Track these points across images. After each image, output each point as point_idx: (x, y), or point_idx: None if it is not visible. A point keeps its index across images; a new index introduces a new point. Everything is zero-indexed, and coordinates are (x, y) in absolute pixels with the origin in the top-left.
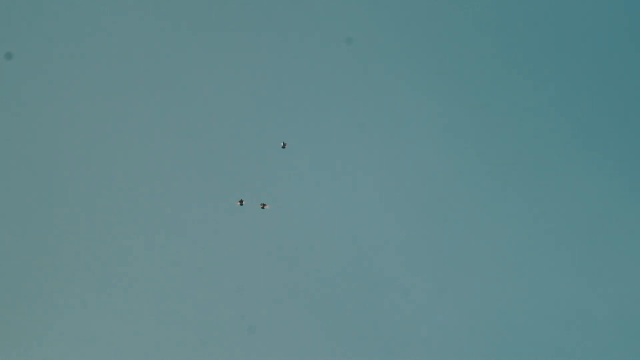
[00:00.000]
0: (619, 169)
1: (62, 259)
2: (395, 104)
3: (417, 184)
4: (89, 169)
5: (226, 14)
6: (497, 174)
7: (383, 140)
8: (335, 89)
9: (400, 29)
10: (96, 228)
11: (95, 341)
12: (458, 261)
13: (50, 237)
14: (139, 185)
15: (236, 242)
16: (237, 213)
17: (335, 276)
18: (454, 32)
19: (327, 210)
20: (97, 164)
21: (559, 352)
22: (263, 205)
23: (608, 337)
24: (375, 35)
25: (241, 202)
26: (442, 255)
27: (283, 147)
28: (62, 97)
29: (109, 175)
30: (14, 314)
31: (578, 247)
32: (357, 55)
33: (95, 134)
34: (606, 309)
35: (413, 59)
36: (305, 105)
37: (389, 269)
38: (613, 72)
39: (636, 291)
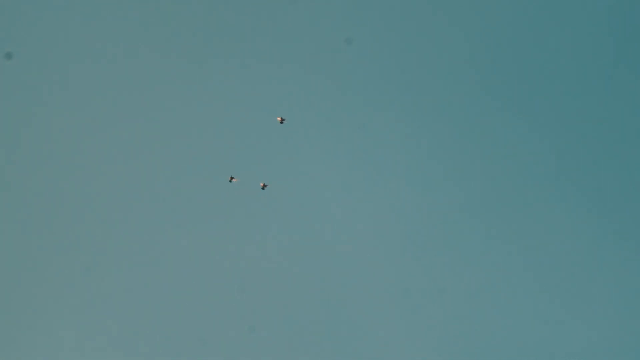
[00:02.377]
0: (600, 209)
1: (62, 259)
2: (390, 113)
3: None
4: (88, 168)
5: (227, 14)
6: (480, 209)
7: (375, 146)
8: (333, 93)
9: (400, 32)
10: (96, 228)
11: (95, 341)
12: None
13: (49, 236)
14: (138, 185)
15: (235, 243)
16: (236, 214)
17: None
18: (453, 39)
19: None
20: (97, 163)
21: None
22: (264, 186)
23: None
24: (375, 37)
25: (231, 178)
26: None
27: (281, 122)
28: (62, 97)
29: (109, 173)
30: (13, 314)
31: (554, 283)
32: (356, 57)
33: (93, 132)
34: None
35: (411, 62)
36: (300, 109)
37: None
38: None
39: (617, 330)
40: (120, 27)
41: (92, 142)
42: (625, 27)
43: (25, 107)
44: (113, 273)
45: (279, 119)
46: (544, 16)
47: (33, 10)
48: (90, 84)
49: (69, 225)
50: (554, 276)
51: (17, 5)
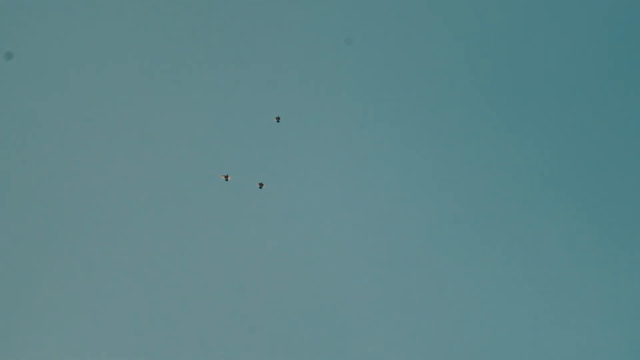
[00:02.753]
0: (596, 213)
1: (62, 259)
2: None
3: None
4: (87, 168)
5: (225, 13)
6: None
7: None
8: (333, 92)
9: (396, 36)
10: (95, 229)
11: (95, 341)
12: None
13: (48, 236)
14: (136, 185)
15: (233, 243)
16: (234, 214)
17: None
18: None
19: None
20: (96, 163)
21: None
22: (260, 185)
23: None
24: (372, 41)
25: (226, 177)
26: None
27: (277, 121)
28: (61, 97)
29: (107, 174)
30: (13, 314)
31: (544, 296)
32: (353, 59)
33: (91, 132)
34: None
35: (409, 65)
36: (301, 109)
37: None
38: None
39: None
40: (120, 27)
41: (90, 142)
42: (624, 37)
43: (25, 107)
44: (111, 274)
45: (275, 119)
46: (545, 20)
47: (33, 10)
48: (89, 83)
49: (68, 226)
50: (548, 281)
51: (17, 5)
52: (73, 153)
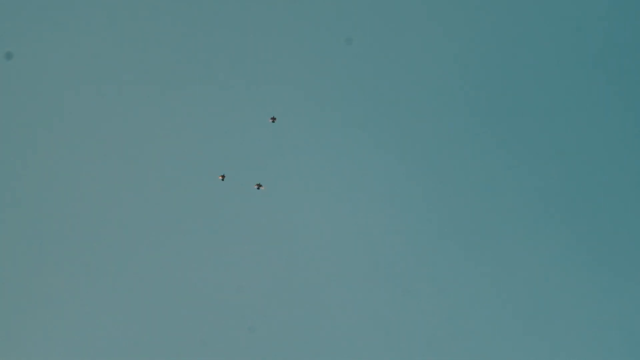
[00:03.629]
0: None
1: (61, 258)
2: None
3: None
4: (87, 168)
5: (222, 12)
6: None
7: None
8: (333, 91)
9: (400, 31)
10: (95, 227)
11: (94, 341)
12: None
13: (49, 236)
14: (137, 184)
15: (232, 243)
16: (233, 215)
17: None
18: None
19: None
20: (95, 163)
21: None
22: (259, 186)
23: None
24: (375, 37)
25: (223, 177)
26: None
27: (272, 121)
28: (62, 97)
29: (108, 173)
30: (13, 314)
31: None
32: (356, 57)
33: (90, 132)
34: None
35: (411, 61)
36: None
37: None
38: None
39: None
40: (119, 26)
41: (88, 142)
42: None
43: (24, 108)
44: (108, 275)
45: (270, 119)
46: (552, 35)
47: (33, 10)
48: (89, 84)
49: (65, 226)
50: (540, 290)
51: (17, 5)
52: (72, 153)
